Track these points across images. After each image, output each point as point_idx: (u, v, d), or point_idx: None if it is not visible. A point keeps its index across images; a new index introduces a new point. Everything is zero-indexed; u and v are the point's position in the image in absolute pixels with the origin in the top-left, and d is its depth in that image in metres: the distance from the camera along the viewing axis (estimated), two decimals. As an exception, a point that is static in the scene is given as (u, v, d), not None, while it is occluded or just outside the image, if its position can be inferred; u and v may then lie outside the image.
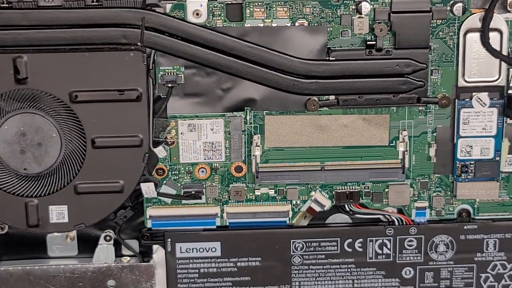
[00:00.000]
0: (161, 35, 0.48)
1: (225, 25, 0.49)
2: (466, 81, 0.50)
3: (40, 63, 0.47)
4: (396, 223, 0.53)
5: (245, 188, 0.52)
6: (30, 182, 0.50)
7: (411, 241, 0.53)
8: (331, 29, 0.49)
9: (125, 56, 0.48)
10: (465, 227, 0.53)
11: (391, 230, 0.53)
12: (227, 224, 0.53)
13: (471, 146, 0.52)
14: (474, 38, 0.50)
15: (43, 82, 0.48)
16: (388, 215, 0.53)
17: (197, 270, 0.53)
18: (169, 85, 0.49)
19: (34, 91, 0.48)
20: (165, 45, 0.48)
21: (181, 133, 0.50)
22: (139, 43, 0.48)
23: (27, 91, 0.48)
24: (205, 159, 0.51)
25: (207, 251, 0.52)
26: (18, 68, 0.47)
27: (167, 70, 0.49)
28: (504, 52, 0.50)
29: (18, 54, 0.47)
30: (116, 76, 0.48)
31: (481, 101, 0.51)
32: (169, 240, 0.52)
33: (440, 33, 0.50)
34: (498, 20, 0.49)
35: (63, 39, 0.48)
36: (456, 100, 0.51)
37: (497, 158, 0.52)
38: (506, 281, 0.54)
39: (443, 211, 0.53)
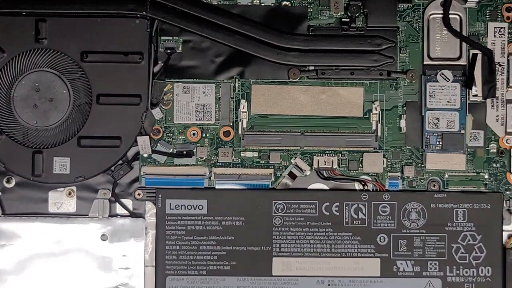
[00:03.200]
0: (164, 7, 0.56)
1: (219, 3, 0.58)
2: (431, 59, 0.58)
3: (58, 26, 0.56)
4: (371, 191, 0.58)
5: (232, 152, 0.58)
6: (39, 134, 0.57)
7: (384, 207, 0.58)
8: (311, 10, 0.58)
9: (132, 23, 0.56)
10: (435, 195, 0.58)
11: (365, 195, 0.58)
12: (215, 185, 0.58)
13: (438, 119, 0.58)
14: (437, 21, 0.58)
15: (59, 42, 0.56)
16: (363, 183, 0.58)
17: (184, 227, 0.58)
18: (168, 51, 0.57)
19: (51, 51, 0.56)
20: (166, 15, 0.57)
21: (176, 95, 0.57)
22: (144, 12, 0.56)
23: (44, 51, 0.56)
24: (196, 120, 0.58)
25: (195, 209, 0.58)
26: (39, 29, 0.56)
27: (167, 38, 0.57)
28: (464, 34, 0.58)
29: (41, 17, 0.56)
30: (122, 40, 0.56)
31: (445, 76, 0.58)
32: (160, 196, 0.57)
33: (407, 17, 0.58)
34: (458, 6, 0.58)
35: (81, 8, 0.56)
36: (423, 76, 0.58)
37: (462, 131, 0.58)
38: (476, 252, 0.58)
39: (414, 182, 0.58)
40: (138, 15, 0.56)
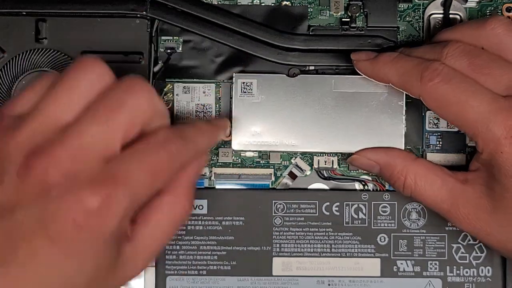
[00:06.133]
0: (164, 7, 0.57)
1: (219, 3, 0.58)
2: (431, 59, 0.59)
3: (58, 26, 0.57)
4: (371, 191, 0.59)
5: (232, 152, 0.59)
6: (39, 134, 0.58)
7: (385, 207, 0.59)
8: (311, 10, 0.59)
9: (132, 23, 0.57)
10: (435, 195, 0.59)
11: (366, 195, 0.59)
12: (215, 185, 0.59)
13: (438, 119, 0.59)
14: (437, 21, 0.59)
15: (59, 42, 0.57)
16: (364, 183, 0.59)
17: (184, 227, 0.59)
18: (168, 51, 0.58)
19: (51, 51, 0.57)
20: (167, 15, 0.57)
21: (177, 95, 0.58)
22: (144, 12, 0.57)
23: (44, 50, 0.57)
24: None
25: (195, 209, 0.58)
26: (39, 29, 0.57)
27: (167, 38, 0.58)
28: (464, 34, 0.58)
29: (41, 17, 0.57)
30: (122, 40, 0.57)
31: (445, 76, 0.58)
32: (160, 196, 0.58)
33: (407, 17, 0.59)
34: (458, 5, 0.59)
35: (81, 8, 0.57)
36: (423, 76, 0.59)
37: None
38: (476, 252, 0.59)
39: (415, 182, 0.59)
40: (138, 15, 0.57)
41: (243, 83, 0.57)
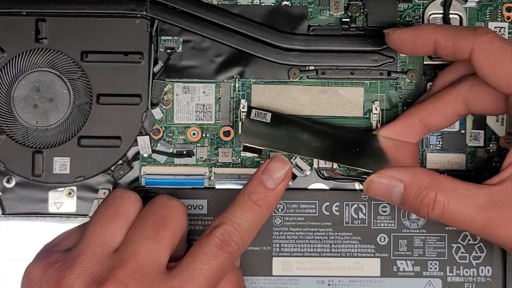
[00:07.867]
0: (164, 7, 0.58)
1: (219, 3, 0.59)
2: (431, 59, 0.59)
3: (58, 26, 0.57)
4: (371, 191, 0.59)
5: (232, 152, 0.59)
6: (39, 134, 0.58)
7: (385, 207, 0.59)
8: (311, 10, 0.59)
9: (132, 23, 0.58)
10: (435, 195, 0.59)
11: (366, 195, 0.59)
12: (215, 185, 0.59)
13: (438, 119, 0.59)
14: (437, 21, 0.59)
15: (59, 42, 0.57)
16: (363, 182, 0.59)
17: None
18: (168, 51, 0.58)
19: (51, 51, 0.57)
20: (167, 15, 0.58)
21: (177, 95, 0.59)
22: (144, 12, 0.57)
23: (44, 50, 0.57)
24: (196, 120, 0.59)
25: (195, 209, 0.59)
26: (39, 29, 0.57)
27: (167, 38, 0.59)
28: (464, 34, 0.59)
29: (41, 17, 0.57)
30: (122, 40, 0.58)
31: (445, 76, 0.59)
32: (160, 196, 0.59)
33: (407, 17, 0.59)
34: (458, 5, 0.59)
35: (81, 8, 0.58)
36: (423, 76, 0.59)
37: (463, 131, 0.59)
38: (476, 252, 0.59)
39: (415, 182, 0.60)
40: (138, 15, 0.58)
41: (257, 112, 0.56)
